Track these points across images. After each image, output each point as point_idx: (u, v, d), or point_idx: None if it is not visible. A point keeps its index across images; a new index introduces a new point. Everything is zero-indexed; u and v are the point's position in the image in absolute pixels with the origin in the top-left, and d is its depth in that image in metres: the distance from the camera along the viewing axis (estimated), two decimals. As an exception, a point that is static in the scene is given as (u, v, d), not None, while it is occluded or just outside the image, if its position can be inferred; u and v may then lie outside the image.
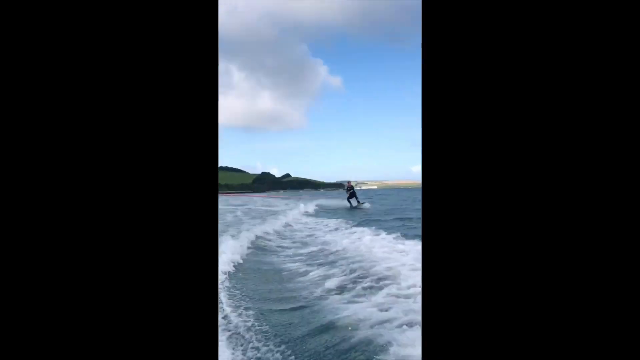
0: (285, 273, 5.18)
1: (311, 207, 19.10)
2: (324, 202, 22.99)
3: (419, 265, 2.83)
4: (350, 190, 20.24)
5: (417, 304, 3.24)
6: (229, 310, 3.47)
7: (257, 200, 30.57)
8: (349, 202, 19.94)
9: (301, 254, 6.60)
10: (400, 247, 6.29)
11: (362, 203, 19.41)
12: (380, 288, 3.97)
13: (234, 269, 5.19)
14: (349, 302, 3.66)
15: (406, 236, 7.36)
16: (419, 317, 2.75)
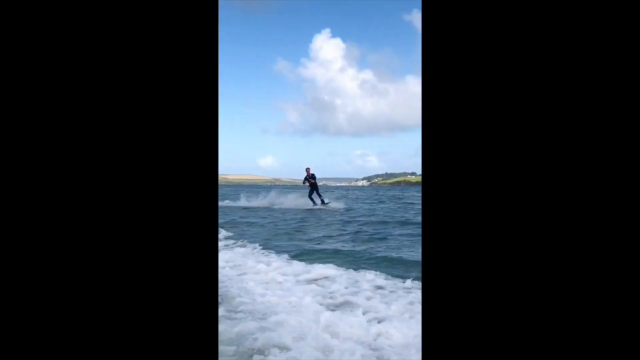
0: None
1: None
2: None
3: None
4: (309, 181, 13.93)
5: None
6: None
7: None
8: (312, 199, 13.98)
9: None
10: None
11: (328, 202, 13.95)
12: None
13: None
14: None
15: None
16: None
